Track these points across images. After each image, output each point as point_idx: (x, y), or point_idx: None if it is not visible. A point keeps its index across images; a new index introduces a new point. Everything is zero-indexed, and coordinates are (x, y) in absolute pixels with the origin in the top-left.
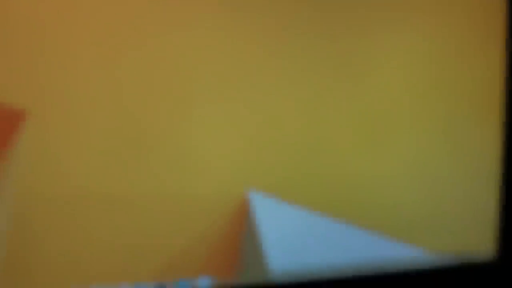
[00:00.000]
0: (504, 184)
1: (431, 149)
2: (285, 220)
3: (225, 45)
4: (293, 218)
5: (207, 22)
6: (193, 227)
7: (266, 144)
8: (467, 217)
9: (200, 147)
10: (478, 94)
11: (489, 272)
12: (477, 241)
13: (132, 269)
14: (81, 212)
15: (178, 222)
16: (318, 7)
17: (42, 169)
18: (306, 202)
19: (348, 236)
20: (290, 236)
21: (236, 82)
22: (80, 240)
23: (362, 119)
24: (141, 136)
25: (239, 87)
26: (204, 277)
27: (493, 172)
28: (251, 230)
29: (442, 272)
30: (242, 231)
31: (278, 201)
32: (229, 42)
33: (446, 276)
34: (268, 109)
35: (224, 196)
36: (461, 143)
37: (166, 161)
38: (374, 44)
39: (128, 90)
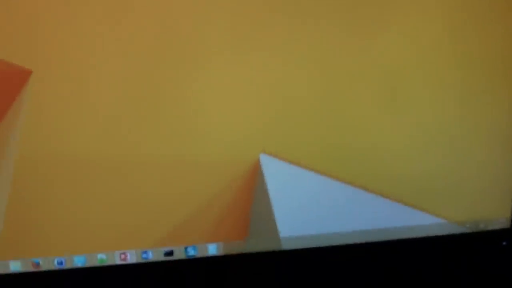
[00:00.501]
0: None
1: (446, 115)
2: (296, 184)
3: (236, 5)
4: (305, 183)
5: None
6: (202, 192)
7: (278, 108)
8: (483, 184)
9: (211, 109)
10: (495, 60)
11: (504, 240)
12: (493, 209)
13: (139, 236)
14: (85, 176)
15: (187, 186)
16: None
17: (44, 130)
18: (319, 167)
19: (361, 202)
20: (301, 201)
21: (248, 44)
22: (84, 205)
23: (377, 84)
24: (148, 98)
25: (251, 49)
26: (213, 243)
27: (510, 139)
28: (262, 195)
29: (457, 240)
30: (252, 196)
31: (290, 165)
32: (240, 2)
33: (462, 244)
34: (280, 72)
35: (235, 160)
36: (478, 109)
37: (174, 124)
38: (389, 7)
39: (136, 51)
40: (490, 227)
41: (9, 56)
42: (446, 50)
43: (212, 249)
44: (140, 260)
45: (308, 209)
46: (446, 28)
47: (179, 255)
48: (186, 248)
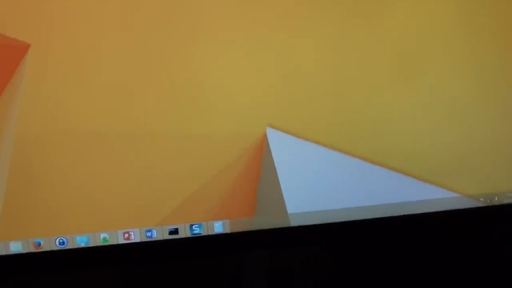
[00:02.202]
0: None
1: (459, 87)
2: (304, 159)
3: None
4: (312, 157)
5: None
6: (207, 168)
7: (285, 80)
8: (497, 157)
9: (216, 83)
10: (509, 29)
11: None
12: (507, 182)
13: (143, 214)
14: (87, 152)
15: (192, 162)
16: None
17: (43, 105)
18: (327, 140)
19: (370, 177)
20: (309, 175)
21: (254, 17)
22: (86, 183)
23: (387, 56)
24: (152, 72)
25: (257, 22)
26: (219, 220)
27: None
28: (268, 170)
29: (471, 214)
30: (259, 172)
31: (297, 139)
32: None
33: (476, 218)
34: (288, 45)
35: (241, 135)
36: (491, 82)
37: (178, 98)
38: None
39: (139, 24)
40: (504, 201)
41: (7, 29)
42: (459, 22)
43: (218, 227)
44: (144, 239)
45: (316, 184)
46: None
47: (184, 233)
48: (191, 226)
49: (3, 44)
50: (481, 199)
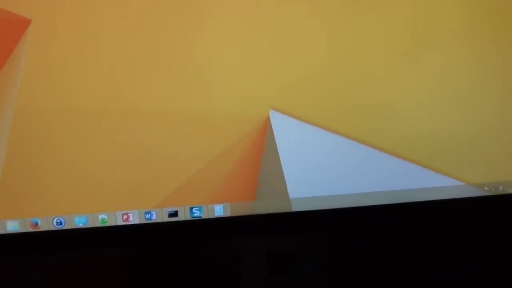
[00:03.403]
0: None
1: (465, 74)
2: (307, 143)
3: None
4: (316, 142)
5: None
6: (209, 150)
7: (289, 63)
8: (502, 146)
9: (219, 64)
10: None
11: None
12: None
13: (142, 195)
14: (87, 131)
15: (193, 144)
16: None
17: (43, 82)
18: (331, 125)
19: (374, 163)
20: (312, 160)
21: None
22: (85, 161)
23: (393, 40)
24: (155, 49)
25: (262, 4)
26: (219, 204)
27: None
28: (271, 154)
29: (475, 203)
30: (261, 155)
31: (300, 123)
32: None
33: (480, 207)
34: (292, 27)
35: (244, 117)
36: (497, 67)
37: (181, 78)
38: None
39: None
40: (509, 190)
41: (8, 5)
42: (467, 4)
43: (219, 210)
44: (143, 221)
45: (319, 169)
46: None
47: (184, 216)
48: (191, 209)
49: (3, 19)
50: (485, 188)
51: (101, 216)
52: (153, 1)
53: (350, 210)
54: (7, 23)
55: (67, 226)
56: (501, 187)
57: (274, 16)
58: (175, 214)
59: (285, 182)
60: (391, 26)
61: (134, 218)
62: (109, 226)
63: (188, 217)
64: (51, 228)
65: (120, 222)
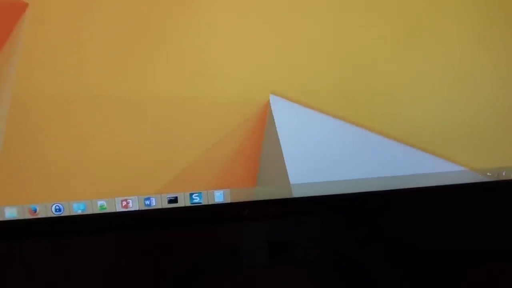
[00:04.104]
0: None
1: (468, 58)
2: (307, 127)
3: None
4: (316, 126)
5: None
6: (209, 135)
7: (289, 46)
8: (505, 131)
9: (219, 48)
10: None
11: None
12: None
13: (141, 181)
14: (85, 116)
15: (193, 129)
16: None
17: (41, 67)
18: (332, 109)
19: (376, 148)
20: (312, 145)
21: None
22: (83, 147)
23: (394, 22)
24: (154, 33)
25: None
26: (219, 190)
27: None
28: (271, 139)
29: (478, 188)
30: (261, 140)
31: (301, 107)
32: None
33: (483, 193)
34: (291, 10)
35: (243, 101)
36: (500, 53)
37: (179, 62)
38: None
39: None
40: None
41: None
42: None
43: (219, 196)
44: (143, 207)
45: (320, 154)
46: None
47: (183, 202)
48: (191, 195)
49: (0, 2)
50: (488, 173)
51: (100, 203)
52: None
53: (351, 195)
54: (4, 7)
55: (65, 212)
56: (504, 173)
57: (276, 1)
58: (175, 200)
59: (285, 168)
60: (392, 10)
61: (134, 205)
62: (108, 213)
63: (188, 203)
64: (50, 214)
65: (119, 209)
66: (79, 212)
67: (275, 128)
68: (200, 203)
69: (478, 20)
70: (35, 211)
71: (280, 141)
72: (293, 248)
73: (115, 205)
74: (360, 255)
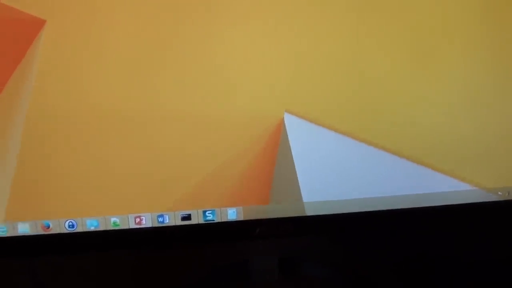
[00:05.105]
0: None
1: (478, 77)
2: (321, 146)
3: None
4: (330, 145)
5: None
6: (223, 152)
7: (304, 65)
8: None
9: (234, 65)
10: None
11: None
12: None
13: (155, 198)
14: (100, 132)
15: (207, 146)
16: None
17: (57, 83)
18: (345, 128)
19: (388, 167)
20: (326, 163)
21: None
22: (97, 163)
23: (405, 43)
24: (170, 51)
25: (276, 4)
26: (232, 207)
27: None
28: (285, 157)
29: (488, 207)
30: (275, 158)
31: (315, 126)
32: None
33: (493, 212)
34: (306, 30)
35: (258, 119)
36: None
37: (195, 80)
38: None
39: (152, 3)
40: None
41: (23, 5)
42: (480, 8)
43: (232, 214)
44: (156, 224)
45: (333, 173)
46: None
47: (197, 219)
48: (204, 212)
49: (18, 19)
50: (499, 192)
51: (113, 219)
52: (168, 5)
53: (364, 214)
54: (23, 23)
55: (79, 229)
56: None
57: (289, 19)
58: (188, 217)
59: (299, 185)
60: (405, 30)
61: (147, 221)
62: (122, 229)
63: (201, 220)
64: (63, 230)
65: (132, 225)
66: (92, 228)
67: (289, 145)
68: (213, 220)
69: (487, 39)
70: (48, 227)
71: (294, 158)
72: (305, 266)
73: (128, 221)
74: (372, 273)
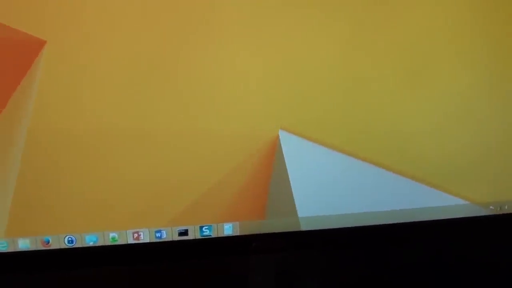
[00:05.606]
0: None
1: (470, 93)
2: (316, 163)
3: None
4: (324, 161)
5: None
6: (219, 169)
7: (299, 83)
8: (507, 164)
9: (229, 83)
10: None
11: None
12: None
13: (153, 214)
14: (98, 150)
15: (203, 163)
16: None
17: (57, 103)
18: (340, 145)
19: (381, 182)
20: (321, 180)
21: (266, 18)
22: (96, 180)
23: (400, 61)
24: (165, 71)
25: (269, 23)
26: (229, 223)
27: None
28: (280, 173)
29: (480, 222)
30: (270, 174)
31: (309, 143)
32: None
33: (485, 226)
34: (301, 47)
35: (253, 136)
36: (501, 87)
37: (191, 98)
38: None
39: (153, 20)
40: None
41: (24, 26)
42: (472, 26)
43: (228, 229)
44: (154, 240)
45: (328, 189)
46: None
47: (193, 234)
48: (201, 228)
49: (19, 39)
50: (490, 207)
51: (111, 235)
52: (165, 23)
53: (359, 229)
54: (23, 44)
55: (78, 244)
56: (506, 206)
57: (284, 37)
58: (185, 232)
59: (294, 201)
60: (398, 47)
61: (145, 237)
62: (120, 245)
63: (198, 235)
64: (62, 246)
65: (130, 241)
66: (91, 244)
67: (284, 162)
68: (210, 235)
69: (476, 54)
70: (48, 242)
71: (289, 175)
72: (301, 280)
73: (126, 237)
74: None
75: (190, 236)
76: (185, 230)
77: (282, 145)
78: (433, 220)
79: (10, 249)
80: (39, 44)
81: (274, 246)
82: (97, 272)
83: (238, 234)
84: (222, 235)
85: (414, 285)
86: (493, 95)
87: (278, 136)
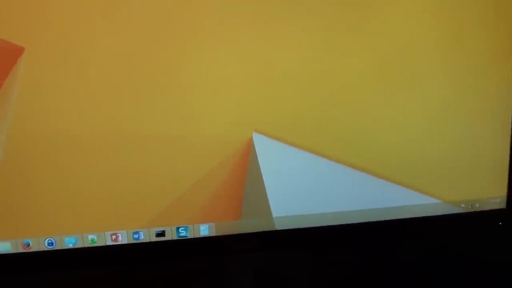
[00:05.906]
0: None
1: (442, 95)
2: (290, 164)
3: None
4: (298, 163)
5: None
6: (194, 172)
7: (272, 85)
8: (478, 164)
9: (203, 87)
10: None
11: (500, 220)
12: (488, 189)
13: (130, 216)
14: (76, 155)
15: (178, 166)
16: None
17: (36, 108)
18: (313, 146)
19: (354, 182)
20: (294, 180)
21: (241, 23)
22: (74, 185)
23: (375, 62)
24: (141, 76)
25: (244, 28)
26: (205, 223)
27: (507, 122)
28: (255, 175)
29: (452, 220)
30: (245, 176)
31: (283, 145)
32: None
33: (456, 225)
34: (275, 50)
35: (227, 139)
36: (474, 90)
37: (165, 102)
38: None
39: (130, 29)
40: (485, 207)
41: (2, 33)
42: (451, 29)
43: (204, 230)
44: (132, 241)
45: (301, 189)
46: (450, 7)
47: (170, 235)
48: (178, 229)
49: None
50: (462, 205)
51: (90, 236)
52: (142, 29)
53: (331, 228)
54: (1, 50)
55: (57, 246)
56: (477, 204)
57: (257, 40)
58: (162, 234)
59: (268, 202)
60: (376, 50)
61: (123, 238)
62: (99, 246)
63: (175, 236)
64: (42, 248)
65: (109, 242)
66: (71, 246)
67: (258, 163)
68: (187, 236)
69: (454, 58)
70: (28, 245)
71: (263, 176)
72: (277, 279)
73: (105, 238)
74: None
75: (167, 237)
76: (162, 231)
77: (256, 147)
78: (406, 219)
79: None
80: (18, 51)
81: (250, 245)
82: (77, 273)
83: (214, 234)
84: (198, 236)
85: (390, 282)
86: (467, 98)
87: (252, 139)
